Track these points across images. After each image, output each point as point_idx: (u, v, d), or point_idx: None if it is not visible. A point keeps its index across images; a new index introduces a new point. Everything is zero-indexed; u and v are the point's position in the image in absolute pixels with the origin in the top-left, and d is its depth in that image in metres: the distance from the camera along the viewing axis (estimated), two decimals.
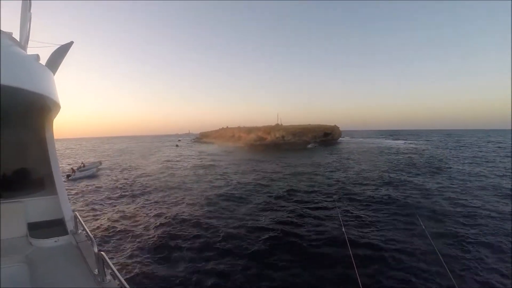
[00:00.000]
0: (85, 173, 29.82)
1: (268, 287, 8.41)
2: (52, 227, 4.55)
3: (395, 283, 8.33)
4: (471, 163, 33.58)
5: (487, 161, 34.79)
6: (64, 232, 4.36)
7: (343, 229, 9.25)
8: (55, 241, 4.13)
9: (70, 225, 4.46)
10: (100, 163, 37.24)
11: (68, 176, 27.70)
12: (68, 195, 5.14)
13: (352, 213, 14.79)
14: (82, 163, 36.46)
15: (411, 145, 67.80)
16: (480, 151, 49.01)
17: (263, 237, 11.80)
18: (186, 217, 14.45)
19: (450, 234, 11.77)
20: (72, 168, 31.00)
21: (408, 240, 11.15)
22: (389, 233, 11.89)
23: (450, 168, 29.62)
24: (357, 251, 9.98)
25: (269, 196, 18.85)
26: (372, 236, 11.71)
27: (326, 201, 17.36)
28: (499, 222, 13.03)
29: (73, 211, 4.64)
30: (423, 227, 5.78)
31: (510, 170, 27.26)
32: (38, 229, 4.45)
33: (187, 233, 12.28)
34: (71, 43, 4.31)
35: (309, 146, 68.86)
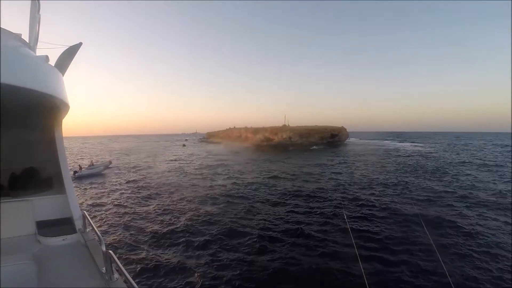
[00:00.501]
0: (92, 171, 29.95)
1: (274, 283, 8.54)
2: (61, 225, 4.55)
3: (398, 283, 8.47)
4: (478, 167, 33.04)
5: (496, 165, 34.27)
6: (73, 230, 4.36)
7: (349, 230, 9.40)
8: (63, 240, 4.14)
9: (78, 224, 4.47)
10: (110, 162, 36.97)
11: (75, 172, 27.58)
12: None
13: (357, 214, 14.77)
14: (91, 161, 36.62)
15: (418, 148, 66.82)
16: (489, 154, 48.11)
17: (269, 235, 11.91)
18: (193, 216, 14.60)
19: (452, 239, 11.62)
20: (79, 165, 31.22)
21: (412, 242, 11.10)
22: (393, 236, 11.83)
23: (457, 172, 29.20)
24: (362, 252, 10.11)
25: (275, 196, 18.86)
26: (376, 236, 11.73)
27: (332, 201, 17.32)
28: (502, 229, 12.83)
29: (82, 210, 4.65)
30: (427, 232, 5.80)
31: None
32: (46, 227, 4.46)
33: (195, 232, 12.36)
34: (80, 44, 4.31)
35: (313, 147, 68.32)
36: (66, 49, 4.27)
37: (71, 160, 45.40)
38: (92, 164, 34.09)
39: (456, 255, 10.19)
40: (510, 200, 17.39)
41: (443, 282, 8.15)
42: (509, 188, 21.04)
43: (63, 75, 4.22)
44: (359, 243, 10.76)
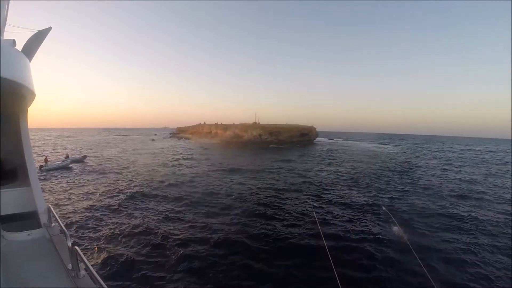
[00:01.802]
0: (58, 164, 29.13)
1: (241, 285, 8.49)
2: (25, 220, 4.43)
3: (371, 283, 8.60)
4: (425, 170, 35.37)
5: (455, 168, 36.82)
6: (37, 225, 4.27)
7: (319, 227, 9.66)
8: (28, 235, 4.05)
9: (43, 218, 4.37)
10: (85, 156, 36.57)
11: (40, 167, 26.77)
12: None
13: (324, 209, 15.53)
14: (66, 154, 36.45)
15: (384, 150, 70.10)
16: (449, 159, 51.43)
17: (238, 233, 11.90)
18: (158, 209, 14.71)
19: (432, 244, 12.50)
20: (45, 158, 30.11)
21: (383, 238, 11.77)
22: (354, 218, 13.09)
23: (413, 169, 31.52)
24: (334, 251, 10.14)
25: (242, 193, 19.19)
26: (347, 233, 12.06)
27: (300, 199, 17.86)
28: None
29: (47, 203, 4.54)
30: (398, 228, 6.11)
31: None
32: (10, 222, 4.30)
33: (159, 229, 12.10)
34: (49, 28, 4.20)
35: (272, 146, 68.63)
36: (35, 34, 4.14)
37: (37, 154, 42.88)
38: (68, 157, 33.86)
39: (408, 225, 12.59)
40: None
41: (407, 251, 8.65)
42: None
43: (30, 61, 4.06)
44: (329, 239, 11.06)
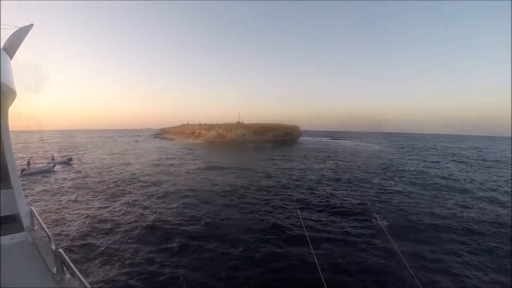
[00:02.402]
0: (41, 168, 28.57)
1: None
2: (7, 223, 4.27)
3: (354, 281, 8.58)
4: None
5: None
6: (20, 228, 4.19)
7: (303, 225, 9.82)
8: (11, 239, 3.96)
9: (26, 221, 4.30)
10: (70, 159, 36.06)
11: (22, 170, 26.01)
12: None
13: (307, 206, 15.90)
14: (52, 155, 36.47)
15: (366, 147, 72.12)
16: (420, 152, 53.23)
17: (222, 233, 11.91)
18: (141, 211, 14.72)
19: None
20: (28, 161, 29.43)
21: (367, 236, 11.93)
22: (347, 232, 12.45)
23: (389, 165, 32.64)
24: (317, 247, 10.38)
25: (226, 192, 19.61)
26: (331, 231, 12.22)
27: (283, 196, 18.17)
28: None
29: (29, 206, 4.48)
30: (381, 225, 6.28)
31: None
32: None
33: (145, 228, 12.13)
34: (31, 25, 4.17)
35: (255, 145, 69.02)
36: (16, 31, 4.12)
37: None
38: (54, 159, 33.84)
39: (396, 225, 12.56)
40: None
41: (392, 250, 9.38)
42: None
43: (11, 58, 4.01)
44: (314, 239, 11.03)
